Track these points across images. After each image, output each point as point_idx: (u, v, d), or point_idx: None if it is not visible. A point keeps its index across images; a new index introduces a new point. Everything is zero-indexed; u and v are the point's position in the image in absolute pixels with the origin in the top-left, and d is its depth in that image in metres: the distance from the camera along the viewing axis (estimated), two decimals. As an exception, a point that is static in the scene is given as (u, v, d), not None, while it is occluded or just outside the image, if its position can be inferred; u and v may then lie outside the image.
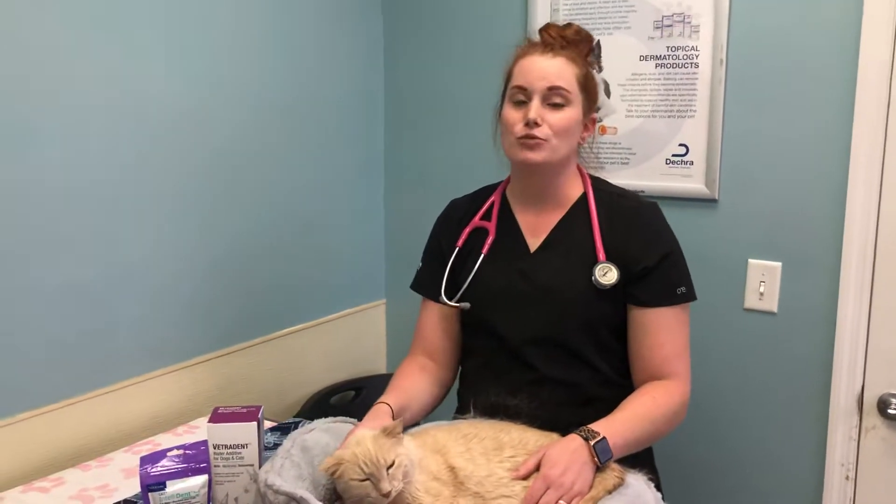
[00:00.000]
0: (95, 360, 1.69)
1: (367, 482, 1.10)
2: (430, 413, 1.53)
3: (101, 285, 1.68)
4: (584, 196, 1.50)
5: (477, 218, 1.55)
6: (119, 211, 1.70)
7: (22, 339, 1.55)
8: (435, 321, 1.58)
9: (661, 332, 1.42)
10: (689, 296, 1.46)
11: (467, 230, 1.55)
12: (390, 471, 1.11)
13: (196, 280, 1.89)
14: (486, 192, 1.61)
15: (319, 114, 2.21)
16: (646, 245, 1.44)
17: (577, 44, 1.45)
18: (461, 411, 1.52)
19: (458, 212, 1.60)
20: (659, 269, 1.43)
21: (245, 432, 1.23)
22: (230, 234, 1.97)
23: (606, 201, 1.49)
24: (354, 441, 1.14)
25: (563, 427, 1.31)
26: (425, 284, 1.60)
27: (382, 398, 1.41)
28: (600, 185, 1.53)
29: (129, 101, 1.69)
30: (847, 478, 1.84)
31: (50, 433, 1.61)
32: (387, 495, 1.10)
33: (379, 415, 1.33)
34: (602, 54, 2.03)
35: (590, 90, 1.45)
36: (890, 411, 1.76)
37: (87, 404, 1.67)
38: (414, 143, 2.41)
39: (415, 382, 1.50)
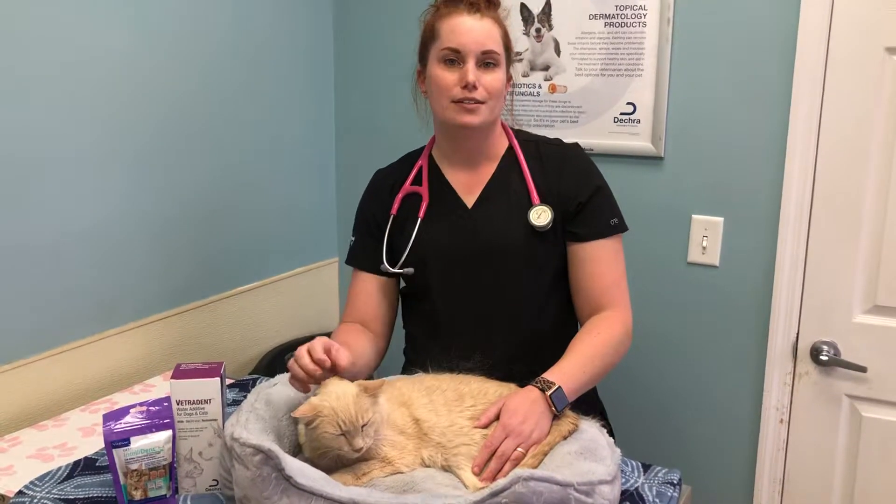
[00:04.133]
0: (49, 321, 1.67)
1: (342, 437, 1.13)
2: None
3: (54, 246, 1.66)
4: (511, 148, 1.54)
5: (407, 184, 1.55)
6: (70, 171, 1.67)
7: (-29, 300, 1.53)
8: (371, 292, 1.57)
9: (599, 263, 1.48)
10: (622, 226, 1.51)
11: (399, 197, 1.55)
12: (364, 429, 1.14)
13: (149, 239, 1.88)
14: (412, 157, 1.61)
15: (270, 72, 2.18)
16: (577, 182, 1.49)
17: (495, 3, 1.46)
18: (410, 370, 1.52)
19: (387, 181, 1.59)
20: (592, 204, 1.48)
21: (208, 388, 1.23)
22: (182, 194, 1.95)
23: (532, 149, 1.53)
24: (335, 395, 1.16)
25: (517, 379, 1.35)
26: (361, 257, 1.59)
27: None
28: (522, 136, 1.57)
29: (76, 60, 1.66)
30: (781, 421, 1.94)
31: (4, 394, 1.59)
32: (358, 451, 1.13)
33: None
34: (552, 13, 2.06)
35: (510, 48, 1.48)
36: (822, 358, 1.86)
37: (41, 364, 1.66)
38: (364, 100, 2.40)
39: (359, 342, 1.47)
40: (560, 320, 1.53)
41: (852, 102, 1.76)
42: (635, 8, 1.95)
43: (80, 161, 1.70)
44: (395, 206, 1.55)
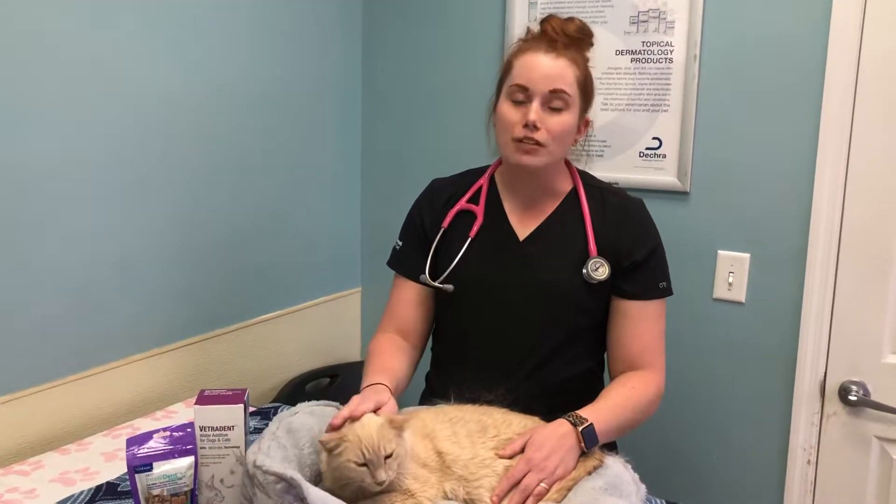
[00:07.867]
0: (74, 345, 1.68)
1: (364, 468, 1.11)
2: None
3: (80, 271, 1.68)
4: (575, 190, 1.51)
5: (464, 200, 1.52)
6: (98, 196, 1.70)
7: (0, 324, 1.54)
8: (410, 301, 1.55)
9: (641, 323, 1.46)
10: (669, 290, 1.50)
11: (453, 211, 1.52)
12: (387, 461, 1.12)
13: (174, 266, 1.89)
14: (473, 174, 1.58)
15: (297, 101, 2.21)
16: (636, 240, 1.46)
17: (579, 42, 1.42)
18: (431, 395, 1.52)
19: (444, 192, 1.56)
20: (646, 264, 1.46)
21: (231, 414, 1.23)
22: (208, 221, 1.97)
23: (597, 196, 1.50)
24: (359, 423, 1.15)
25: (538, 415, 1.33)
26: (404, 262, 1.57)
27: (377, 378, 1.36)
28: (588, 180, 1.54)
29: (111, 89, 1.69)
30: (809, 462, 1.90)
31: (28, 417, 1.60)
32: (381, 484, 1.12)
33: (380, 392, 1.29)
34: (579, 48, 2.07)
35: (587, 92, 1.44)
36: (850, 398, 1.82)
37: (64, 388, 1.67)
38: (390, 131, 2.42)
39: (398, 362, 1.47)
40: (589, 368, 1.51)
41: (882, 138, 1.75)
42: (662, 44, 1.96)
43: (110, 188, 1.72)
44: (448, 219, 1.52)
